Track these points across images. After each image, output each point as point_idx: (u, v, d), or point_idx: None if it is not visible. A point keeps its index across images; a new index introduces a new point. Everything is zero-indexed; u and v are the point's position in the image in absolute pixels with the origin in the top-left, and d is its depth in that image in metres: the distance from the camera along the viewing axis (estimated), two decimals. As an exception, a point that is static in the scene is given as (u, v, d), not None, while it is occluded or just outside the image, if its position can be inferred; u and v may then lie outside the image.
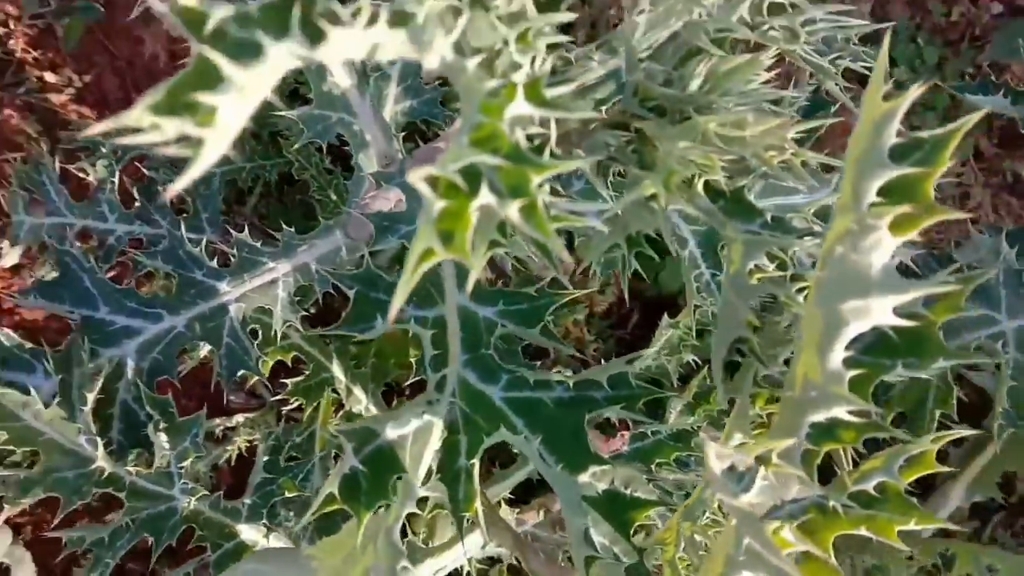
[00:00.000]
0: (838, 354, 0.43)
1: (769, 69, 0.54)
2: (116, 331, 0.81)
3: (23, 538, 0.96)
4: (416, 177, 0.33)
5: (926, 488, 1.52)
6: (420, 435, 0.59)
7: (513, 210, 0.36)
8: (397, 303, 0.32)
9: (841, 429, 0.48)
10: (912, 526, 0.51)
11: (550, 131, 0.49)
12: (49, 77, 1.57)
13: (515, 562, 1.10)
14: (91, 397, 0.72)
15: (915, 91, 0.41)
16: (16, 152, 1.52)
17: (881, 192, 0.43)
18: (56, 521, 0.72)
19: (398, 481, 0.56)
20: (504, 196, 0.36)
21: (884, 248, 0.38)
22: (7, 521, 0.76)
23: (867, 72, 0.71)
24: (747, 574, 0.50)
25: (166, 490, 0.79)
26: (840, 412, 0.44)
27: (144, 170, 1.22)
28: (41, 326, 1.47)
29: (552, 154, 0.47)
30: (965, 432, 0.51)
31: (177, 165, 1.29)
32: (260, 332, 1.01)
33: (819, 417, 0.44)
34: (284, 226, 0.99)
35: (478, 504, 0.60)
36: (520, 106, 0.40)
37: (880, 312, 0.41)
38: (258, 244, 0.95)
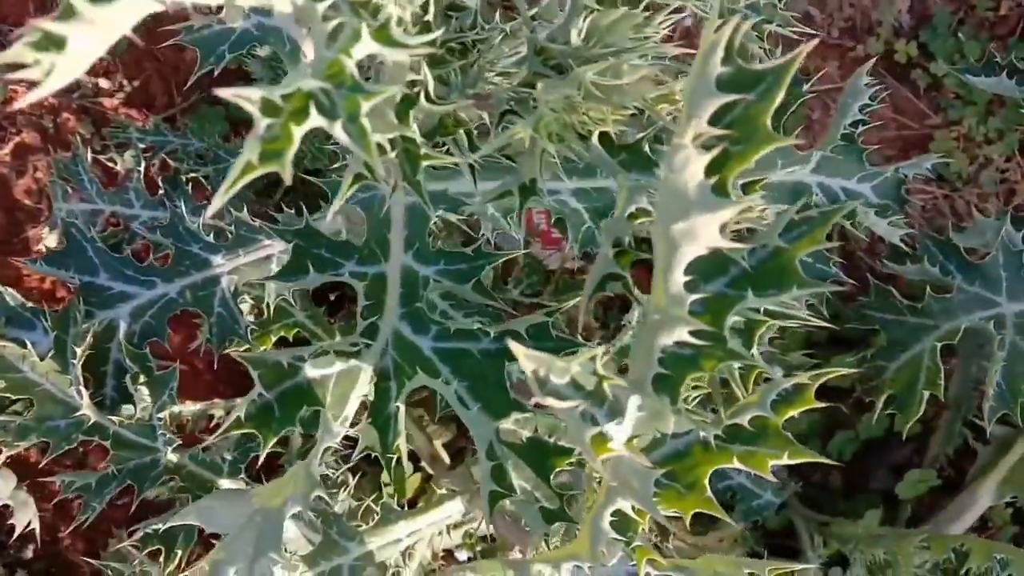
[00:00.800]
0: (678, 277, 0.45)
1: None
2: (112, 295, 0.88)
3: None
4: (232, 94, 0.37)
5: (954, 487, 1.47)
6: (343, 378, 0.63)
7: (338, 129, 0.40)
8: (212, 208, 0.36)
9: (703, 358, 0.49)
10: (786, 460, 0.52)
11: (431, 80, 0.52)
12: (103, 83, 1.70)
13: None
14: (80, 351, 0.79)
15: (744, 25, 0.43)
16: (70, 151, 1.64)
17: (725, 126, 0.46)
18: (44, 462, 0.79)
19: (317, 417, 0.60)
20: (334, 119, 0.40)
21: (694, 166, 0.40)
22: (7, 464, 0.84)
23: (796, 37, 0.73)
24: (620, 501, 0.52)
25: (150, 442, 0.85)
26: (683, 334, 0.46)
27: (171, 162, 1.31)
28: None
29: (428, 98, 0.50)
30: (845, 371, 0.52)
31: (203, 157, 1.37)
32: (265, 312, 1.07)
33: (666, 340, 0.46)
34: (286, 210, 1.05)
35: (402, 442, 0.63)
36: (368, 45, 0.44)
37: (706, 233, 0.43)
38: (255, 223, 1.01)
